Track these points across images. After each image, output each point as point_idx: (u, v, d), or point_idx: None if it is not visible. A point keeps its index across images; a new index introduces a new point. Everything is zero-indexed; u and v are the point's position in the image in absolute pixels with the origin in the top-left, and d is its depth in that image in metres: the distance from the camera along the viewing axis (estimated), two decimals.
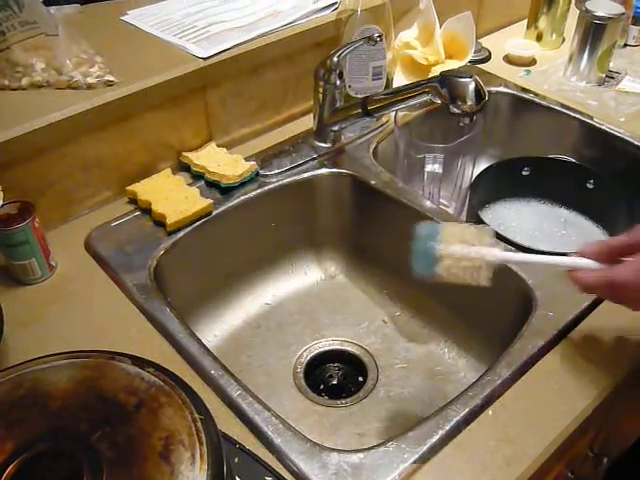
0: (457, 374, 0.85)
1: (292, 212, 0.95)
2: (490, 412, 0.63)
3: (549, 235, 0.98)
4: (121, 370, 0.57)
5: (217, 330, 0.90)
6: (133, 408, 0.53)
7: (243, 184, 0.89)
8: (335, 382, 0.87)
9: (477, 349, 0.86)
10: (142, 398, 0.54)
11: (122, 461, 0.50)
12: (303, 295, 0.97)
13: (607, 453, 0.87)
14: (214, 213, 0.85)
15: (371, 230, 0.96)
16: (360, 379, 0.87)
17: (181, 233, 0.82)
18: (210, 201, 0.84)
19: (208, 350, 0.68)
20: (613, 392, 0.65)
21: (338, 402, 0.83)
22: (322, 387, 0.86)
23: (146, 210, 0.84)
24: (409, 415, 0.81)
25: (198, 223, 0.83)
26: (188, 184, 0.88)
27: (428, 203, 0.87)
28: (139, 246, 0.80)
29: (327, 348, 0.90)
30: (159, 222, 0.82)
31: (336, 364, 0.89)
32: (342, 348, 0.90)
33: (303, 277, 0.98)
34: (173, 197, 0.84)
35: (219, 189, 0.88)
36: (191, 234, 0.83)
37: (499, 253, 0.64)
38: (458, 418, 0.62)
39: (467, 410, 0.62)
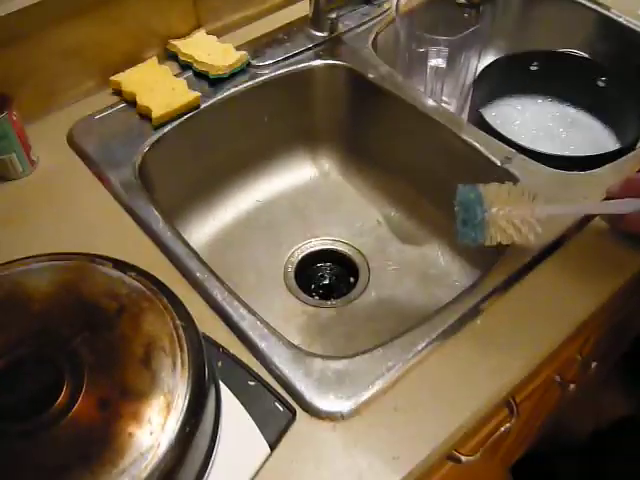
0: (450, 278, 0.84)
1: (285, 106, 0.90)
2: (479, 321, 0.62)
3: (554, 136, 0.94)
4: (102, 274, 0.56)
5: (207, 227, 0.88)
6: (114, 313, 0.52)
7: (233, 75, 0.84)
8: (326, 282, 0.86)
9: (472, 254, 0.85)
10: (123, 303, 0.53)
11: (103, 366, 0.49)
12: (296, 193, 0.94)
13: (596, 358, 0.88)
14: (202, 106, 0.81)
15: (368, 127, 0.92)
16: (351, 280, 0.86)
17: (167, 128, 0.78)
18: (198, 94, 0.80)
19: (194, 251, 0.67)
20: (611, 298, 0.64)
21: (328, 302, 0.83)
22: (313, 287, 0.86)
23: (131, 102, 0.80)
24: (399, 318, 0.81)
25: (185, 117, 0.80)
26: (175, 74, 0.83)
27: (430, 101, 0.83)
28: (124, 141, 0.77)
29: (319, 248, 0.89)
30: (145, 115, 0.78)
31: (327, 264, 0.88)
32: (334, 248, 0.88)
33: (296, 174, 0.95)
34: (159, 89, 0.79)
35: (208, 80, 0.83)
36: (177, 129, 0.79)
37: (547, 208, 0.63)
38: (445, 327, 0.61)
39: (456, 319, 0.62)
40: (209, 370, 0.52)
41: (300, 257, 0.87)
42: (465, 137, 0.78)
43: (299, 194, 0.94)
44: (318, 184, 0.95)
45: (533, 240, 0.63)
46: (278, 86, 0.87)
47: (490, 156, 0.76)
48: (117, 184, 0.72)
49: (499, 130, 0.80)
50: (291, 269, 0.86)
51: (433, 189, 0.88)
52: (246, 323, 0.62)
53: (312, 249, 0.88)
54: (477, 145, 0.77)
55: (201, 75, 0.84)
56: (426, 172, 0.87)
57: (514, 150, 0.76)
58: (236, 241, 0.88)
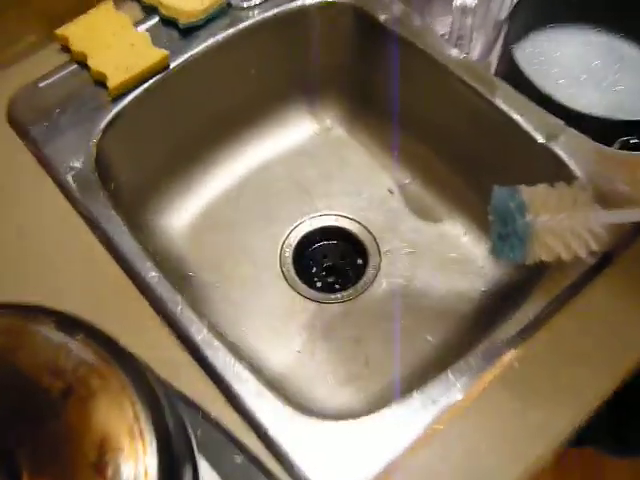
0: (474, 264, 0.72)
1: (277, 54, 0.74)
2: (516, 364, 0.50)
3: (599, 79, 0.78)
4: (43, 338, 0.43)
5: (190, 206, 0.75)
6: (59, 396, 0.41)
7: (210, 21, 0.68)
8: (329, 268, 0.74)
9: None
10: (70, 382, 0.41)
11: (45, 475, 0.38)
12: (292, 155, 0.79)
13: None
14: (172, 66, 0.65)
15: (378, 74, 0.76)
16: (359, 261, 0.74)
17: (129, 98, 0.63)
18: (165, 52, 0.64)
19: (164, 276, 0.54)
20: None
21: (332, 296, 0.71)
22: (314, 274, 0.73)
23: (84, 63, 0.64)
24: (415, 315, 0.69)
25: (151, 82, 0.64)
26: (136, 23, 0.67)
27: (454, 52, 0.66)
28: (76, 117, 0.62)
29: (319, 225, 0.75)
30: (101, 82, 0.63)
31: (331, 243, 0.75)
32: (337, 225, 0.75)
33: (292, 132, 0.80)
34: (116, 45, 0.63)
35: (178, 29, 0.67)
36: (141, 99, 0.64)
37: (606, 215, 0.50)
38: (471, 372, 0.50)
39: (484, 359, 0.50)
40: (184, 462, 0.41)
41: (298, 238, 0.74)
42: (499, 103, 0.63)
43: (296, 156, 0.79)
44: (319, 143, 0.80)
45: (584, 257, 0.50)
46: (266, 31, 0.71)
47: (530, 131, 0.61)
48: (69, 178, 0.58)
49: (533, 79, 0.65)
50: (289, 254, 0.73)
51: (456, 155, 0.73)
52: (232, 372, 0.50)
53: (312, 227, 0.75)
54: (513, 115, 0.62)
55: (170, 22, 0.67)
56: (448, 134, 0.72)
57: (561, 122, 0.61)
58: (224, 220, 0.75)
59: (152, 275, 0.54)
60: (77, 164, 0.59)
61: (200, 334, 0.51)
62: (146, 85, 0.64)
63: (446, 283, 0.71)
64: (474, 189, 0.73)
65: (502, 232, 0.52)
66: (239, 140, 0.77)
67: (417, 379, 0.63)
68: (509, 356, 0.51)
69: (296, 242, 0.74)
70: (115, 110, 0.62)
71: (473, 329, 0.66)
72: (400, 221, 0.75)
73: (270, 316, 0.69)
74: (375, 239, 0.74)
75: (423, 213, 0.75)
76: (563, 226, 0.50)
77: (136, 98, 0.63)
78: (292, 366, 0.66)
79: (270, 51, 0.73)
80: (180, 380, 0.48)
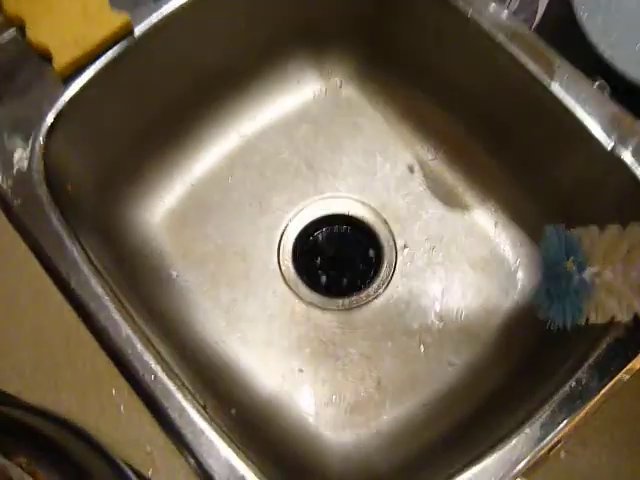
0: (507, 265, 0.61)
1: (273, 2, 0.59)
2: (562, 454, 0.41)
3: None
4: None
5: (170, 194, 0.62)
6: None
7: None
8: (335, 268, 0.63)
9: (542, 226, 0.60)
10: None
11: None
12: (293, 120, 0.66)
13: None
14: (137, 32, 0.51)
15: (400, 27, 0.61)
16: (371, 256, 0.63)
17: (83, 78, 0.50)
18: (126, 17, 0.49)
19: (135, 316, 0.44)
20: None
21: (339, 302, 0.61)
22: (318, 271, 0.63)
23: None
24: (434, 329, 0.59)
25: (111, 55, 0.50)
26: None
27: (504, 13, 0.51)
28: (15, 105, 0.49)
29: (324, 212, 0.64)
30: (45, 56, 0.49)
31: (336, 239, 0.64)
32: (346, 212, 0.63)
33: (294, 91, 0.66)
34: (62, 9, 0.49)
35: None
36: (101, 76, 0.50)
37: None
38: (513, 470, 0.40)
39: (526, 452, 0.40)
40: None
41: (299, 230, 0.63)
42: (553, 88, 0.49)
43: (298, 122, 0.66)
44: (325, 104, 0.67)
45: None
46: None
47: (592, 129, 0.48)
48: (7, 188, 0.47)
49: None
50: (288, 247, 0.62)
51: (491, 132, 0.60)
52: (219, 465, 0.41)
53: (315, 215, 0.63)
54: (572, 104, 0.49)
55: None
56: (485, 108, 0.59)
57: (635, 120, 0.47)
58: (212, 206, 0.63)
59: (123, 323, 0.43)
60: (17, 168, 0.47)
61: (176, 413, 0.41)
62: (104, 59, 0.50)
63: (472, 289, 0.60)
64: (509, 174, 0.61)
65: (553, 290, 0.41)
66: (226, 110, 0.64)
67: (439, 416, 0.55)
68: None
69: (297, 233, 0.63)
70: (66, 95, 0.49)
71: (507, 357, 0.56)
72: (421, 207, 0.63)
73: (265, 325, 0.60)
74: (391, 231, 0.62)
75: (448, 198, 0.63)
76: (631, 282, 0.39)
77: (93, 77, 0.50)
78: (288, 389, 0.57)
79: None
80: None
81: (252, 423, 0.55)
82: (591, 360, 0.43)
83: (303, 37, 0.64)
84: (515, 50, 0.50)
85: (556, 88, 0.49)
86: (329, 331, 0.59)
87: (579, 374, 0.43)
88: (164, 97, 0.58)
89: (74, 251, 0.45)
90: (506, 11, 0.51)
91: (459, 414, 0.54)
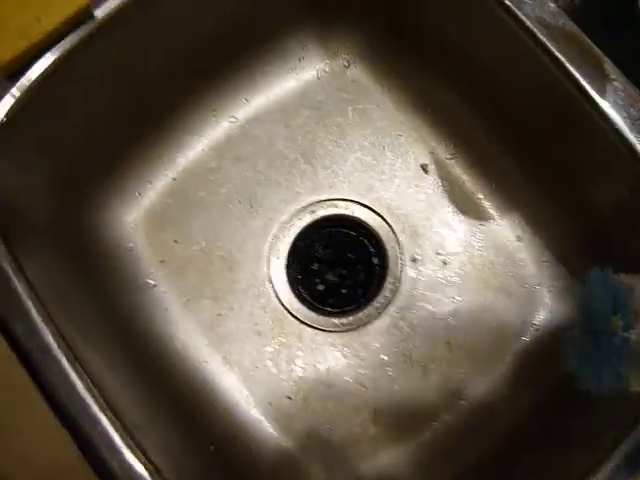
0: (529, 286, 0.53)
1: None
2: None
3: None
4: None
5: (148, 190, 0.55)
6: None
7: None
8: (334, 281, 0.56)
9: (572, 246, 0.52)
10: None
11: None
12: (292, 105, 0.57)
13: None
14: (99, 15, 0.42)
15: (423, 5, 0.51)
16: (375, 264, 0.55)
17: (34, 72, 0.41)
18: (84, 0, 0.40)
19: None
20: None
21: (336, 321, 0.54)
22: (314, 284, 0.56)
23: None
24: (442, 355, 0.52)
25: (67, 44, 0.41)
26: None
27: (551, 5, 0.42)
28: None
29: (322, 215, 0.56)
30: None
31: (335, 249, 0.56)
32: (348, 214, 0.56)
33: (294, 70, 0.57)
34: None
35: None
36: (56, 69, 0.42)
37: None
38: None
39: None
40: None
41: (295, 232, 0.55)
42: (602, 104, 0.40)
43: (298, 106, 0.57)
44: (329, 86, 0.58)
45: None
46: None
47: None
48: None
49: None
50: (281, 255, 0.55)
51: (520, 136, 0.52)
52: None
53: (312, 217, 0.56)
54: (617, 123, 0.40)
55: None
56: (514, 108, 0.50)
57: None
58: (198, 203, 0.55)
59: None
60: None
61: None
62: (59, 49, 0.41)
63: (488, 313, 0.53)
64: (538, 186, 0.52)
65: (590, 348, 0.34)
66: (215, 91, 0.55)
67: (442, 459, 0.50)
68: None
69: (291, 238, 0.55)
70: (12, 95, 0.41)
71: (525, 395, 0.50)
72: (434, 214, 0.55)
73: (251, 345, 0.53)
74: (398, 240, 0.55)
75: (465, 205, 0.55)
76: None
77: (45, 70, 0.41)
78: (275, 418, 0.52)
79: None
80: None
81: (232, 459, 0.50)
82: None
83: (306, 7, 0.54)
84: (559, 53, 0.41)
85: (606, 106, 0.40)
86: (323, 354, 0.53)
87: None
88: (138, 82, 0.50)
89: (20, 290, 0.38)
90: (552, 4, 0.41)
91: (467, 459, 0.49)
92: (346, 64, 0.57)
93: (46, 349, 0.38)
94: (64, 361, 0.38)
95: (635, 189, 0.42)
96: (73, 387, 0.37)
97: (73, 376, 0.37)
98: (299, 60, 0.57)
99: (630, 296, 0.34)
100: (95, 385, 0.38)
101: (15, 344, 0.38)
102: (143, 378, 0.48)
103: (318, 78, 0.57)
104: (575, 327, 0.37)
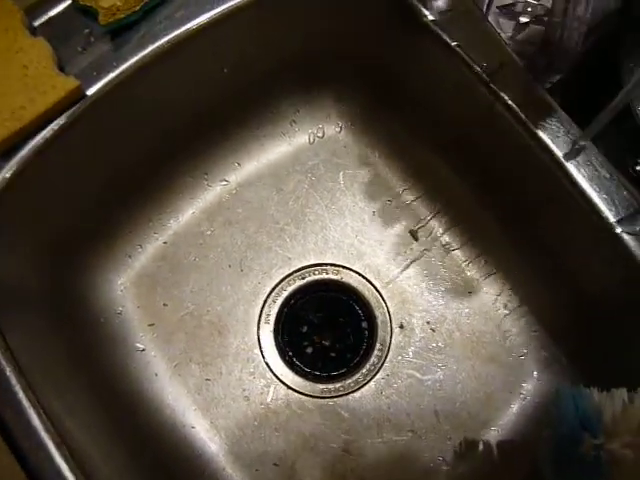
0: (517, 355, 0.53)
1: (266, 38, 0.50)
2: None
3: None
4: None
5: (138, 253, 0.55)
6: None
7: (152, 11, 0.43)
8: (322, 347, 0.56)
9: (561, 318, 0.52)
10: None
11: None
12: (284, 170, 0.58)
13: None
14: (91, 93, 0.42)
15: (411, 74, 0.52)
16: (365, 330, 0.56)
17: (23, 153, 0.41)
18: (75, 82, 0.41)
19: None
20: None
21: (323, 387, 0.54)
22: (302, 350, 0.56)
23: None
24: (428, 424, 0.52)
25: (58, 124, 0.42)
26: (30, 11, 0.43)
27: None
28: None
29: (311, 280, 0.56)
30: None
31: (324, 310, 0.56)
32: (337, 280, 0.56)
33: (287, 133, 0.58)
34: None
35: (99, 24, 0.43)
36: (47, 149, 0.42)
37: None
38: None
39: None
40: None
41: (284, 296, 0.56)
42: (573, 174, 0.41)
43: (288, 174, 0.58)
44: (320, 153, 0.58)
45: None
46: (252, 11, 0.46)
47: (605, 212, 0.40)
48: None
49: None
50: (270, 319, 0.55)
51: (509, 208, 0.52)
52: None
53: (302, 282, 0.56)
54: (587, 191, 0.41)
55: (89, 12, 0.43)
56: (501, 180, 0.51)
57: None
58: (183, 272, 0.56)
59: None
60: None
61: None
62: (49, 131, 0.42)
63: (475, 382, 0.53)
64: (525, 255, 0.53)
65: (561, 464, 0.34)
66: (207, 155, 0.56)
67: None
68: None
69: (280, 302, 0.56)
70: (2, 175, 0.41)
71: (516, 469, 0.49)
72: (422, 281, 0.56)
73: (239, 411, 0.53)
74: (387, 307, 0.55)
75: (453, 272, 0.56)
76: None
77: (36, 150, 0.42)
78: None
79: (258, 34, 0.49)
80: None
81: None
82: None
83: (300, 72, 0.55)
84: (539, 130, 0.42)
85: (579, 177, 0.41)
86: (310, 421, 0.53)
87: None
88: (131, 149, 0.50)
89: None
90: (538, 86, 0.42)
91: None
92: (338, 129, 0.58)
93: (33, 432, 0.38)
94: (50, 444, 0.38)
95: (624, 279, 0.43)
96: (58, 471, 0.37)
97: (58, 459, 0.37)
98: (290, 124, 0.58)
99: (599, 417, 0.34)
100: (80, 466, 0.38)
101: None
102: (130, 445, 0.48)
103: (310, 142, 0.58)
104: (548, 439, 0.37)
